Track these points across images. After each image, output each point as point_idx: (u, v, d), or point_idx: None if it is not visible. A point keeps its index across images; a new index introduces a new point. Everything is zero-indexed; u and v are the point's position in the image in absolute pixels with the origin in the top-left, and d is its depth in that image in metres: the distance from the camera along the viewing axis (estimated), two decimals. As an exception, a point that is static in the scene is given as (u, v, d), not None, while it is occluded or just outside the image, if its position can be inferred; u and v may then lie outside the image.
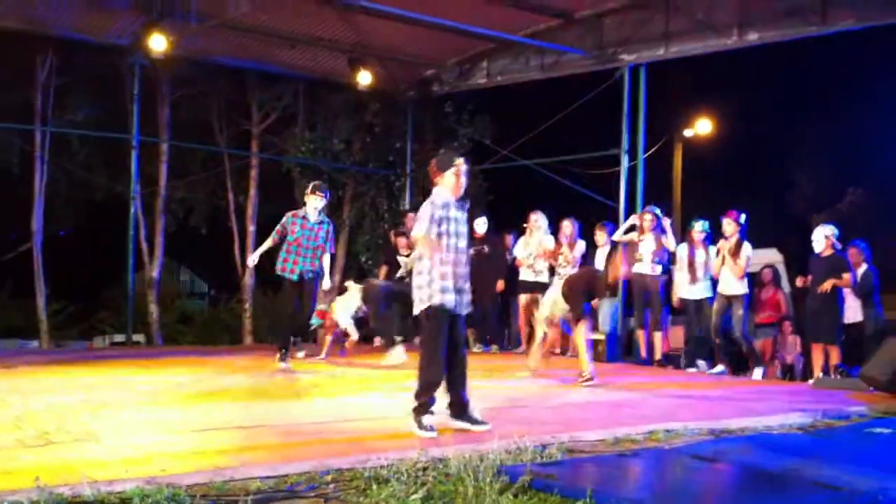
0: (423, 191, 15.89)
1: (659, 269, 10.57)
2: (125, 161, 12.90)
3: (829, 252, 9.44)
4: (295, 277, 9.06)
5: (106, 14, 11.46)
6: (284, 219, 9.22)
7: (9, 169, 13.45)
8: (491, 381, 8.56)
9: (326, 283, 9.32)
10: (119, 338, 12.15)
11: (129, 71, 12.83)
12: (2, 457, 4.54)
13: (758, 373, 9.80)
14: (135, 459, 4.55)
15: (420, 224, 5.73)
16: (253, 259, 9.49)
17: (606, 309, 11.01)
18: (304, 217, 9.17)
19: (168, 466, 4.37)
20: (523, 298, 11.14)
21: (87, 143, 14.57)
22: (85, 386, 7.40)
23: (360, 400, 7.24)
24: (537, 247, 10.94)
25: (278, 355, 9.05)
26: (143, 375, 8.31)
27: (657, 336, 10.68)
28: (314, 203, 9.15)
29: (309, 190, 9.27)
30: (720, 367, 9.91)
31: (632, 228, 10.88)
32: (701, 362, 10.22)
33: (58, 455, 4.61)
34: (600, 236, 11.10)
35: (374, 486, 4.15)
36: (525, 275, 11.17)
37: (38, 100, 13.68)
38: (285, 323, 9.57)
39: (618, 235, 10.97)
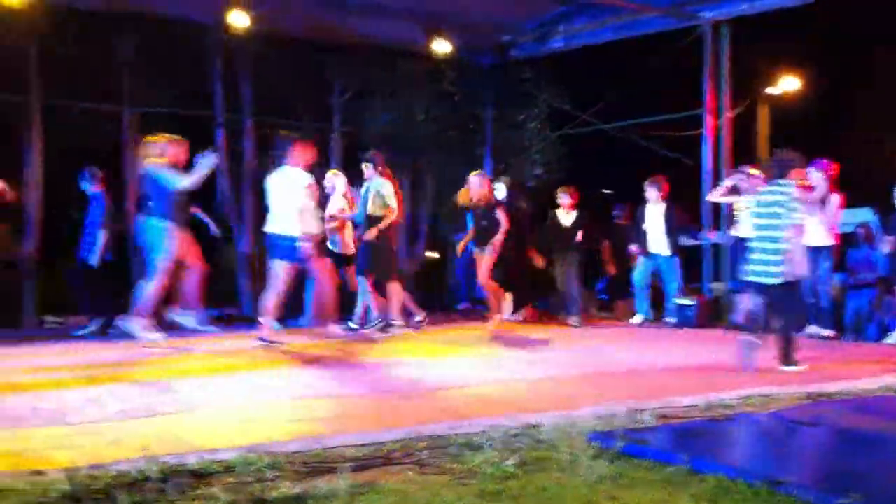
0: (502, 159, 15.86)
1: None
2: (210, 139, 13.13)
3: None
4: None
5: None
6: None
7: (98, 149, 13.77)
8: (574, 347, 8.57)
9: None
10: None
11: (211, 48, 13.03)
12: (109, 427, 4.73)
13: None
14: (236, 428, 4.69)
15: None
16: None
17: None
18: None
19: (268, 434, 4.50)
20: None
21: (173, 122, 14.86)
22: (184, 357, 7.63)
23: (448, 365, 7.32)
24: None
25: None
26: (239, 344, 8.53)
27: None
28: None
29: None
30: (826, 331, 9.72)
31: (733, 190, 10.51)
32: (812, 327, 9.95)
33: (162, 425, 4.78)
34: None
35: (468, 453, 4.20)
36: None
37: (124, 81, 13.99)
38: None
39: (715, 196, 10.74)
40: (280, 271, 8.54)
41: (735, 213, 10.46)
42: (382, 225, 9.42)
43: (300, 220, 8.43)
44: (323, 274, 8.81)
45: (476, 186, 10.65)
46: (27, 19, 11.90)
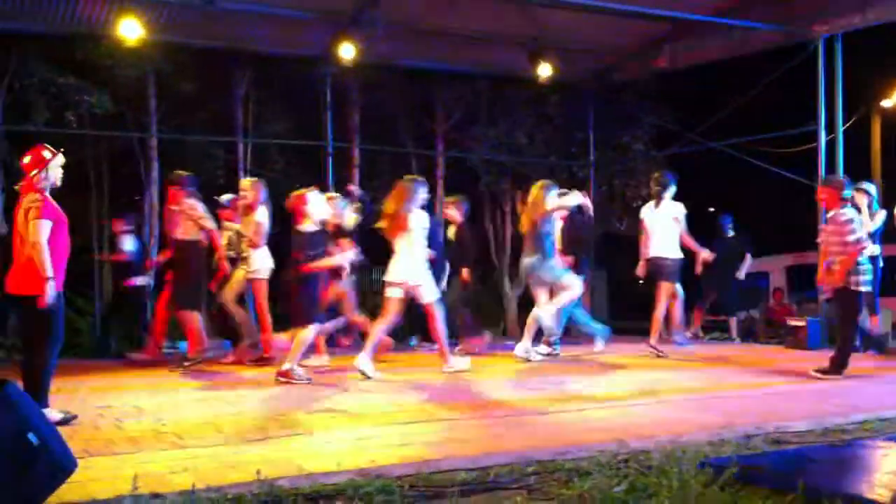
0: (606, 180, 15.75)
1: (874, 249, 10.02)
2: (320, 167, 13.47)
3: None
4: None
5: (298, 27, 12.01)
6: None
7: (214, 180, 14.28)
8: (684, 370, 8.42)
9: None
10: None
11: (320, 80, 13.40)
12: (224, 451, 4.87)
13: None
14: (346, 451, 4.78)
15: None
16: None
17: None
18: None
19: (377, 458, 4.57)
20: None
21: (284, 152, 15.29)
22: (294, 382, 7.80)
23: (554, 388, 7.29)
24: None
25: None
26: (348, 369, 8.68)
27: (873, 320, 10.13)
28: None
29: None
30: None
31: None
32: None
33: (275, 449, 4.90)
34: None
35: (576, 478, 4.17)
36: None
37: (238, 113, 14.49)
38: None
39: None
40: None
41: None
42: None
43: None
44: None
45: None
46: (146, 57, 12.48)
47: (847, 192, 8.15)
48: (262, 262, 9.32)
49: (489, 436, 5.29)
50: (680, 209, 9.94)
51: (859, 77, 13.01)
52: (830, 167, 11.62)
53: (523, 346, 9.36)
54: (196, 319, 9.05)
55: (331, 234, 8.77)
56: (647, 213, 10.16)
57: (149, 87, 13.50)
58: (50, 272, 5.68)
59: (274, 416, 5.97)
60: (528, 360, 9.24)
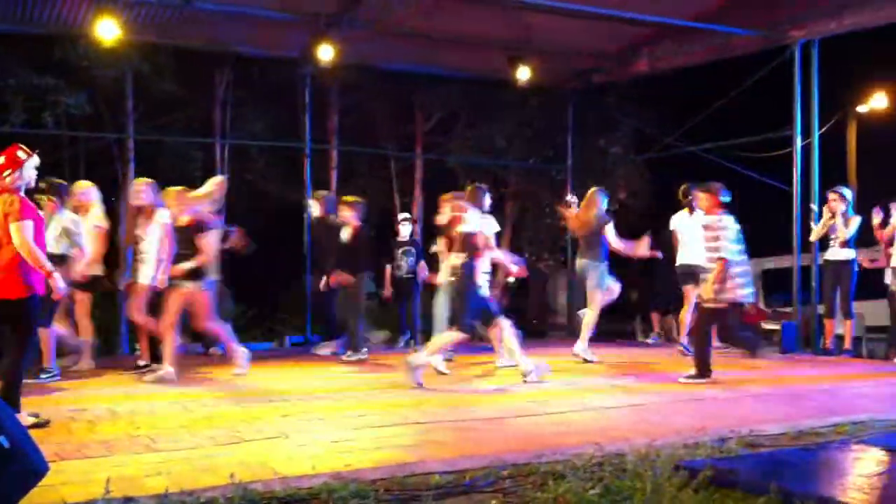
0: (584, 184, 15.80)
1: (850, 253, 10.14)
2: (298, 169, 13.44)
3: None
4: None
5: (277, 28, 11.96)
6: None
7: (192, 181, 14.19)
8: (661, 373, 8.45)
9: None
10: (298, 339, 12.67)
11: (299, 81, 13.37)
12: (198, 455, 4.84)
13: None
14: (320, 455, 4.76)
15: None
16: None
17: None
18: None
19: (352, 462, 4.56)
20: None
21: (264, 153, 15.25)
22: (270, 383, 7.78)
23: (531, 391, 7.29)
24: None
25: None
26: (324, 373, 8.66)
27: (848, 324, 10.23)
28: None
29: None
30: None
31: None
32: None
33: (249, 452, 4.88)
34: None
35: (551, 482, 4.18)
36: None
37: (216, 114, 14.44)
38: None
39: (815, 235, 10.58)
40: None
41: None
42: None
43: None
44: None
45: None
46: (124, 58, 12.39)
47: (725, 198, 8.06)
48: (152, 271, 8.40)
49: (465, 439, 5.29)
50: None
51: (836, 82, 13.12)
52: (806, 172, 11.71)
53: (581, 345, 9.66)
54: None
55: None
56: (680, 221, 10.62)
57: (126, 88, 13.42)
58: (50, 266, 5.73)
59: (248, 419, 5.94)
60: (587, 361, 9.45)
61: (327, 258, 10.28)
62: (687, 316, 10.33)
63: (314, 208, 10.95)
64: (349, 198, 10.34)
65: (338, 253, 9.99)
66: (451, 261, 8.00)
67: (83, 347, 8.71)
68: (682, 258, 10.51)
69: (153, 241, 8.37)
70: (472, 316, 7.84)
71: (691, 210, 10.40)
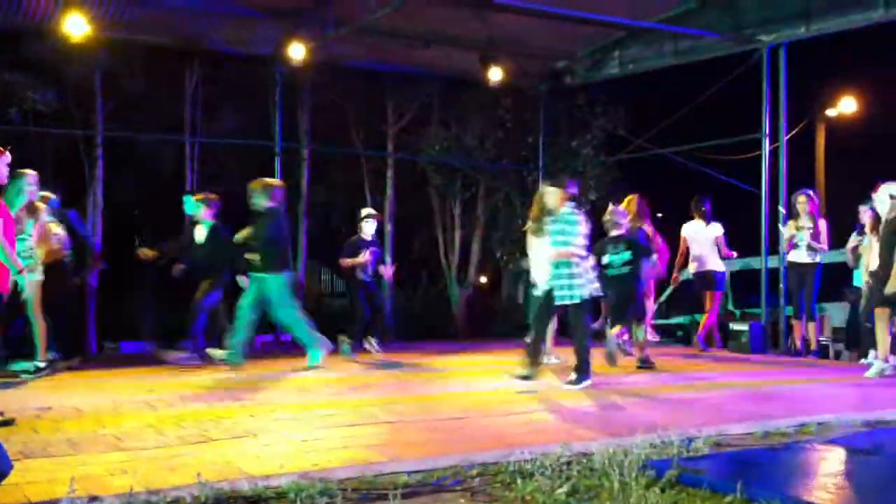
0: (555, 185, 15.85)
1: (815, 256, 10.23)
2: (270, 167, 13.37)
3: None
4: None
5: (248, 26, 11.90)
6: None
7: (162, 179, 14.15)
8: (631, 374, 8.49)
9: None
10: (268, 338, 12.60)
11: (270, 80, 13.30)
12: (165, 454, 4.79)
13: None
14: (289, 455, 4.73)
15: None
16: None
17: None
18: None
19: (320, 461, 4.54)
20: None
21: (235, 152, 15.16)
22: (237, 384, 7.73)
23: (497, 390, 7.31)
24: None
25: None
26: (290, 372, 8.62)
27: (811, 326, 10.34)
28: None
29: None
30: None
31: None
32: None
33: (217, 452, 4.84)
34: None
35: (519, 481, 4.19)
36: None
37: (187, 111, 14.34)
38: None
39: (787, 237, 10.69)
40: None
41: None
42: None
43: None
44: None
45: None
46: (92, 53, 12.26)
47: (572, 191, 8.09)
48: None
49: (433, 438, 5.28)
50: (720, 228, 11.03)
51: (806, 87, 13.27)
52: (774, 175, 11.82)
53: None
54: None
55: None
56: (692, 230, 11.09)
57: (95, 85, 13.29)
58: (21, 263, 5.68)
59: (215, 418, 5.89)
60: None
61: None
62: (711, 317, 11.14)
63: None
64: (200, 194, 9.98)
65: (193, 252, 9.70)
66: None
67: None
68: (699, 266, 11.00)
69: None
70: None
71: (705, 219, 10.98)
